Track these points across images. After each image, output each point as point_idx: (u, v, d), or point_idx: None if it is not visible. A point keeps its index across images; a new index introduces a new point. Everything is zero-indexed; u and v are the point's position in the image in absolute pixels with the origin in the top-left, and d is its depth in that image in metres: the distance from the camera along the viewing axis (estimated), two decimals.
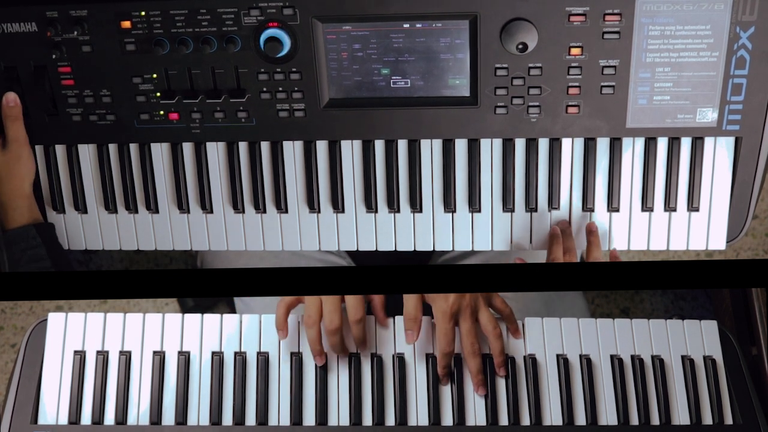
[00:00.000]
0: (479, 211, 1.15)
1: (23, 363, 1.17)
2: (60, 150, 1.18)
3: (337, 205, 1.16)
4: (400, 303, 1.20)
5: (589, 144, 1.12)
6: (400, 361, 1.15)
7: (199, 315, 1.18)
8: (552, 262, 1.12)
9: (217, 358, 1.16)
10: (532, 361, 1.16)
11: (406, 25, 1.07)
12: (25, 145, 1.15)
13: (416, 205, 1.15)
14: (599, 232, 1.14)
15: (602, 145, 1.13)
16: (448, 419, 1.13)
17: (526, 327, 1.18)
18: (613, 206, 1.14)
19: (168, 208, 1.18)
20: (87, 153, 1.18)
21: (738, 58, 1.05)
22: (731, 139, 1.11)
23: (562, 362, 1.15)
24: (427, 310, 1.16)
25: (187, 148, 1.16)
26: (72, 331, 1.17)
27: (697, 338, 1.18)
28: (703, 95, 1.08)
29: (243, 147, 1.16)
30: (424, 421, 1.13)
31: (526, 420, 1.13)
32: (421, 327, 1.15)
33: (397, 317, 1.17)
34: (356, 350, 1.16)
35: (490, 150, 1.13)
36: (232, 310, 1.39)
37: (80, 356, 1.16)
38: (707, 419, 1.14)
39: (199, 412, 1.14)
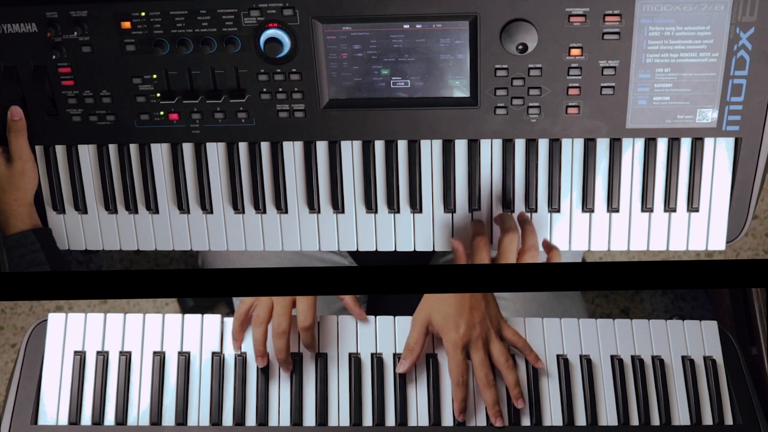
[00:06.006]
0: (479, 211, 1.15)
1: (23, 363, 1.16)
2: (60, 150, 1.18)
3: (337, 205, 1.16)
4: (402, 303, 1.20)
5: (589, 144, 1.12)
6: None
7: (199, 315, 1.18)
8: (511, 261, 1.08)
9: (217, 358, 1.16)
10: None
11: (406, 26, 1.07)
12: (29, 161, 1.15)
13: (416, 205, 1.15)
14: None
15: (602, 146, 1.12)
16: (448, 419, 1.13)
17: (527, 327, 1.18)
18: (612, 207, 1.14)
19: (168, 209, 1.18)
20: (87, 153, 1.18)
21: (738, 58, 1.05)
22: (731, 140, 1.11)
23: (562, 362, 1.15)
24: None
25: (187, 148, 1.16)
26: (72, 332, 1.17)
27: (697, 338, 1.18)
28: (703, 96, 1.08)
29: (243, 147, 1.16)
30: (424, 421, 1.13)
31: (526, 420, 1.13)
32: (417, 360, 1.13)
33: (397, 317, 1.17)
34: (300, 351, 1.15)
35: (490, 150, 1.13)
36: (232, 310, 1.39)
37: (80, 356, 1.16)
38: (707, 419, 1.14)
39: (199, 413, 1.14)
